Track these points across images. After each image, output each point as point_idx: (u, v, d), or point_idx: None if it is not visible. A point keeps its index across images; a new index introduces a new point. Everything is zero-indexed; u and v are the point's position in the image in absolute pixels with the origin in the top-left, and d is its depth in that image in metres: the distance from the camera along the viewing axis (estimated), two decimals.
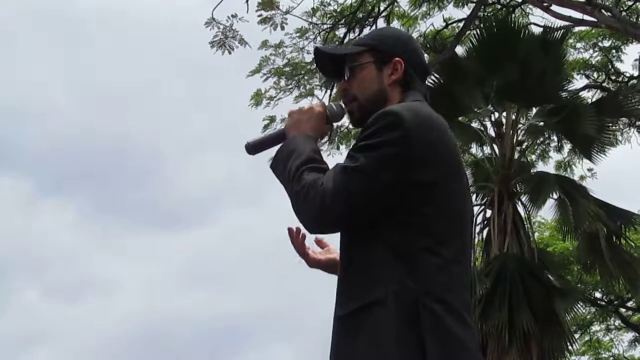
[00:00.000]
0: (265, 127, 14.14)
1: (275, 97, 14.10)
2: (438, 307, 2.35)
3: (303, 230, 2.93)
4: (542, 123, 13.21)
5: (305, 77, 14.07)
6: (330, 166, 2.56)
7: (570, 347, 12.55)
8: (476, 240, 12.74)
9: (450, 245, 2.46)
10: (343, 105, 2.81)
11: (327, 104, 2.82)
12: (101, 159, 37.27)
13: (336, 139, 14.81)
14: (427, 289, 2.36)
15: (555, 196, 12.64)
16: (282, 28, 13.43)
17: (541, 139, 15.16)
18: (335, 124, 2.96)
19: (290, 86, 14.08)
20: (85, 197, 36.40)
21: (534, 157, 16.55)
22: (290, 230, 3.02)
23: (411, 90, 2.70)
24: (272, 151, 2.78)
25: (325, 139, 12.64)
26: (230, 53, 13.27)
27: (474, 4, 13.98)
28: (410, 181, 2.42)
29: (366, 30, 13.97)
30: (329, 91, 13.94)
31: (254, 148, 2.82)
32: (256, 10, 13.16)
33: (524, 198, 12.95)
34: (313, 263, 3.09)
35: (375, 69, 2.73)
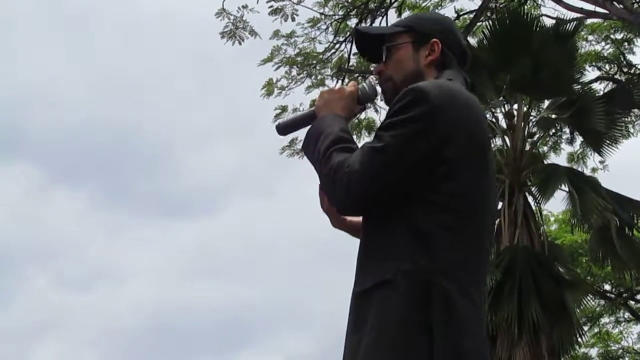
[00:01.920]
0: (277, 116, 14.15)
1: (286, 86, 14.10)
2: (451, 287, 2.34)
3: None
4: (553, 116, 13.18)
5: (317, 67, 14.07)
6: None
7: (579, 339, 12.58)
8: None
9: (468, 224, 2.46)
10: (375, 87, 2.81)
11: (359, 85, 2.81)
12: (112, 148, 37.36)
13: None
14: (441, 267, 2.36)
15: (565, 188, 12.62)
16: (293, 19, 13.47)
17: (553, 131, 15.13)
18: (367, 105, 2.95)
19: (301, 76, 14.09)
20: (96, 186, 36.50)
21: (546, 148, 16.54)
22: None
23: (447, 70, 2.70)
24: (298, 133, 2.82)
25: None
26: (240, 44, 13.32)
27: None
28: (433, 157, 2.41)
29: (377, 21, 13.98)
30: (340, 81, 13.94)
31: (285, 128, 2.84)
32: (267, 1, 13.18)
33: (534, 190, 12.93)
34: (337, 222, 2.96)
35: (412, 49, 2.73)
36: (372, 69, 2.94)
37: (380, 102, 11.90)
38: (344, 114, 2.72)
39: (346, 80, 13.90)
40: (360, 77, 13.57)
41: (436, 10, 14.78)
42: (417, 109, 2.43)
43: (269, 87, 14.09)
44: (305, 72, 14.03)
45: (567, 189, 12.34)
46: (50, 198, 33.95)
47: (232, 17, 13.28)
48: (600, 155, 13.50)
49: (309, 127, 2.73)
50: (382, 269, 2.40)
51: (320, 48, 14.11)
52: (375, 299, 2.37)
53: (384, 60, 2.77)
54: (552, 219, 20.25)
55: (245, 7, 13.20)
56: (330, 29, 14.08)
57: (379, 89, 2.82)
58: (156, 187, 35.84)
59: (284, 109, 14.23)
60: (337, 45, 14.09)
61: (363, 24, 13.83)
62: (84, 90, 33.50)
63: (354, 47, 13.75)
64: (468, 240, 2.45)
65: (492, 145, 14.14)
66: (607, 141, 12.91)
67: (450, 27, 2.85)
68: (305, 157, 2.71)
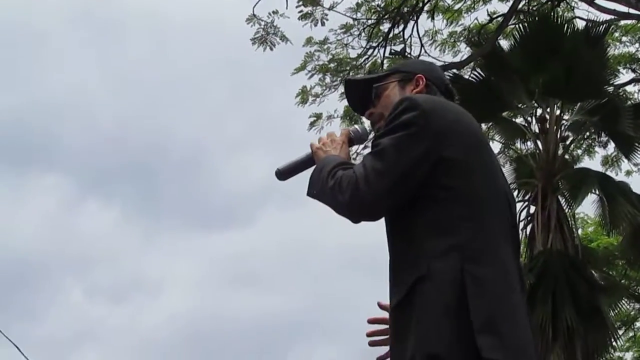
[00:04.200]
0: (312, 124, 14.24)
1: (320, 94, 14.15)
2: (481, 271, 2.41)
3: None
4: (585, 120, 13.14)
5: (350, 73, 14.09)
6: None
7: (614, 343, 12.53)
8: (521, 236, 12.71)
9: (486, 212, 2.54)
10: (367, 128, 2.99)
11: (350, 128, 2.98)
12: (144, 157, 37.53)
13: None
14: (469, 255, 2.43)
15: (595, 193, 12.61)
16: (323, 24, 13.51)
17: (586, 134, 15.08)
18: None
19: (335, 83, 14.13)
20: (128, 196, 36.60)
21: (579, 152, 16.47)
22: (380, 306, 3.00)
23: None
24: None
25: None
26: (271, 49, 13.38)
27: None
28: (433, 157, 2.52)
29: (410, 25, 14.01)
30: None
31: (284, 173, 2.96)
32: (296, 7, 13.25)
33: (566, 194, 12.91)
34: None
35: (399, 87, 2.92)
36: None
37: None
38: (342, 156, 2.85)
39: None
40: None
41: (468, 13, 14.78)
42: (409, 114, 2.58)
43: (304, 95, 14.14)
44: (338, 79, 14.07)
45: (597, 195, 12.34)
46: (83, 207, 34.13)
47: (262, 23, 13.36)
48: (629, 160, 13.47)
49: (307, 170, 2.88)
50: (413, 272, 2.46)
51: (353, 54, 14.15)
52: (414, 299, 2.43)
53: (372, 102, 2.95)
54: (589, 221, 20.14)
55: (275, 12, 13.27)
56: (363, 34, 14.12)
57: (369, 130, 2.99)
58: (189, 195, 35.93)
59: (318, 116, 14.30)
60: (370, 51, 14.12)
61: (396, 29, 13.88)
62: (117, 99, 33.69)
63: (387, 52, 13.87)
64: (491, 229, 2.53)
65: (523, 150, 14.22)
66: (637, 144, 12.89)
67: (434, 66, 3.10)
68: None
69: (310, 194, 2.78)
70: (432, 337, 2.37)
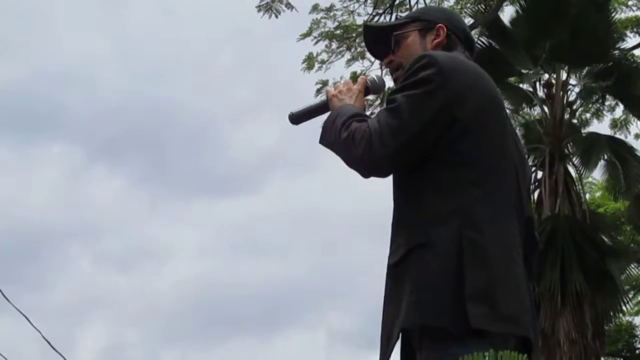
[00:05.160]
0: (318, 91, 14.19)
1: (327, 60, 14.12)
2: (481, 238, 2.41)
3: None
4: (593, 85, 13.11)
5: (357, 40, 14.05)
6: None
7: (623, 308, 12.57)
8: None
9: (493, 178, 2.53)
10: (384, 78, 2.93)
11: (368, 77, 2.91)
12: (150, 126, 37.55)
13: None
14: (470, 221, 2.43)
15: (606, 157, 12.59)
16: None
17: (594, 98, 15.05)
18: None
19: (341, 49, 14.09)
20: (135, 164, 36.62)
21: (588, 115, 16.43)
22: None
23: (454, 52, 2.78)
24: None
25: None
26: (277, 17, 13.33)
27: None
28: (445, 117, 2.51)
29: None
30: None
31: (298, 117, 2.92)
32: None
33: (575, 159, 12.89)
34: None
35: (419, 35, 2.84)
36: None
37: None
38: (357, 105, 2.81)
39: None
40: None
41: None
42: (427, 71, 2.54)
43: (310, 62, 14.10)
44: (345, 45, 14.03)
45: (608, 159, 12.32)
46: (90, 176, 34.18)
47: None
48: None
49: (320, 116, 2.85)
50: (413, 235, 2.48)
51: (359, 21, 14.09)
52: (411, 264, 2.44)
53: (392, 49, 2.87)
54: (596, 186, 20.11)
55: None
56: (369, 1, 14.07)
57: (387, 80, 2.93)
58: (196, 163, 35.95)
59: (324, 83, 14.25)
60: (377, 18, 14.07)
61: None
62: (123, 68, 33.66)
63: (393, 17, 13.80)
64: (496, 195, 2.52)
65: (531, 116, 14.19)
66: None
67: (455, 15, 2.99)
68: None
69: (322, 142, 2.75)
70: (426, 306, 2.38)
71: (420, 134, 2.51)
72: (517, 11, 12.89)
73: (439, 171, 2.51)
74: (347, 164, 2.66)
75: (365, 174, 2.66)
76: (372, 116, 2.65)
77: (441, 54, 2.65)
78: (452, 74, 2.55)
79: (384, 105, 2.66)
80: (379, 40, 2.95)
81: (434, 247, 2.42)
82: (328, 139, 2.72)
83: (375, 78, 2.92)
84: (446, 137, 2.51)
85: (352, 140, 2.57)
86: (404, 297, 2.42)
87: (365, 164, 2.59)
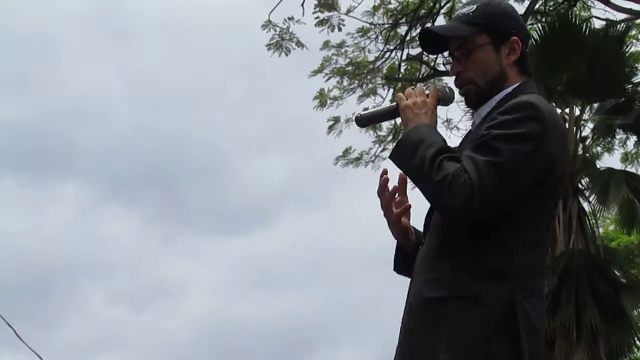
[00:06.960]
0: (330, 127, 14.24)
1: (338, 97, 14.16)
2: (528, 303, 2.41)
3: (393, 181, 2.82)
4: (611, 121, 13.08)
5: (368, 77, 14.12)
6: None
7: (638, 343, 12.49)
8: None
9: (544, 237, 2.54)
10: (453, 89, 2.80)
11: (439, 88, 2.80)
12: (162, 162, 37.51)
13: None
14: (523, 284, 2.43)
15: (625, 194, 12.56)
16: (340, 29, 13.53)
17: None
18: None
19: (352, 86, 14.14)
20: (147, 201, 36.63)
21: (599, 149, 16.42)
22: (383, 176, 2.83)
23: (526, 76, 2.69)
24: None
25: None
26: (287, 55, 13.40)
27: None
28: (540, 178, 2.47)
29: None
30: (392, 90, 13.97)
31: (364, 119, 2.82)
32: (313, 12, 13.27)
33: (590, 196, 12.86)
34: (395, 223, 2.83)
35: (494, 50, 2.66)
36: (446, 68, 2.87)
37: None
38: (434, 124, 2.67)
39: (398, 85, 13.93)
40: (415, 84, 13.57)
41: None
42: (534, 125, 2.45)
43: (322, 98, 14.16)
44: (356, 82, 14.08)
45: (625, 194, 12.28)
46: (103, 214, 34.15)
47: (278, 29, 13.38)
48: None
49: (387, 122, 2.82)
50: (463, 282, 2.44)
51: (370, 57, 14.17)
52: (453, 312, 2.41)
53: (458, 58, 2.71)
54: (609, 220, 20.05)
55: (291, 18, 13.31)
56: (380, 37, 14.13)
57: (456, 91, 2.79)
58: (208, 199, 35.91)
59: (336, 119, 14.31)
60: (388, 54, 14.14)
61: (413, 32, 13.87)
62: (133, 104, 33.74)
63: (404, 54, 13.86)
64: (540, 260, 2.53)
65: None
66: None
67: (518, 17, 2.80)
68: (399, 165, 2.64)
69: (396, 161, 2.61)
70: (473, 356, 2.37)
71: (517, 192, 2.45)
72: (530, 45, 12.89)
73: (506, 228, 2.47)
74: (434, 205, 2.58)
75: (451, 220, 2.54)
76: (466, 158, 2.49)
77: (542, 105, 2.52)
78: (552, 134, 2.47)
79: (468, 143, 2.55)
80: (436, 42, 2.77)
81: (486, 306, 2.40)
82: (406, 165, 2.59)
83: (447, 90, 2.80)
84: (526, 196, 2.47)
85: (449, 187, 2.41)
86: (440, 348, 2.39)
87: (462, 217, 2.47)
